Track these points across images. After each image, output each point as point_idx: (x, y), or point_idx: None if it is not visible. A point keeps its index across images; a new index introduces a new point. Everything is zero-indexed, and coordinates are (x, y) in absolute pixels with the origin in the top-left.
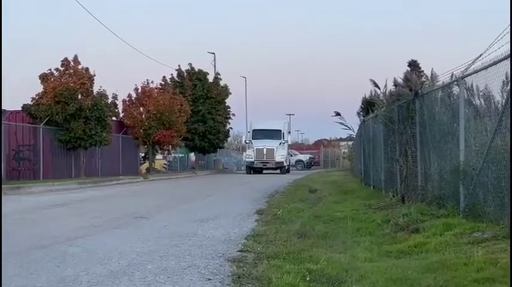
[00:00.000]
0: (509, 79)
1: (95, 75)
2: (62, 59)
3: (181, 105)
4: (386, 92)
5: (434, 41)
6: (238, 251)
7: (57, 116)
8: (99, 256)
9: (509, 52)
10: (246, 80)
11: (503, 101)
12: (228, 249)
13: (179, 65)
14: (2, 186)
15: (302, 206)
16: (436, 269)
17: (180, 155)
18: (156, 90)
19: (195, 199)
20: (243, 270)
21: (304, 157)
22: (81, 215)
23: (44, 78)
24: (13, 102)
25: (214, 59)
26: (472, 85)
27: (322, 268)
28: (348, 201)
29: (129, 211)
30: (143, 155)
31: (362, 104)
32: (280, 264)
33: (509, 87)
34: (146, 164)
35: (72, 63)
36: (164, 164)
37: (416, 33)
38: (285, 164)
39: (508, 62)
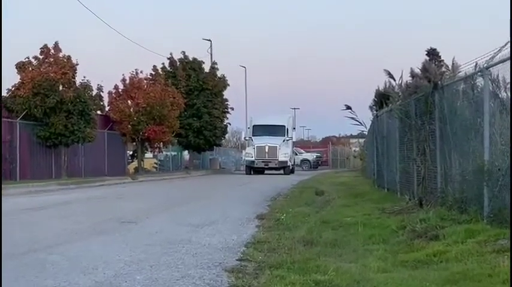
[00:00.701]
0: None
1: (77, 65)
2: (42, 46)
3: (174, 97)
4: (402, 84)
5: (455, 27)
6: (237, 260)
7: (35, 110)
8: (82, 264)
9: None
10: (245, 70)
11: None
12: (225, 258)
13: (171, 54)
14: None
15: (308, 210)
16: (457, 281)
17: (173, 153)
18: (145, 81)
19: (189, 202)
20: (243, 281)
21: (311, 156)
22: (63, 220)
23: (21, 67)
24: None
25: (211, 46)
26: (498, 76)
27: (331, 279)
28: (359, 205)
29: (115, 215)
30: (131, 153)
31: (375, 97)
32: (283, 274)
33: None
34: (135, 163)
35: (52, 50)
36: (155, 163)
37: (435, 19)
38: (289, 163)
39: None
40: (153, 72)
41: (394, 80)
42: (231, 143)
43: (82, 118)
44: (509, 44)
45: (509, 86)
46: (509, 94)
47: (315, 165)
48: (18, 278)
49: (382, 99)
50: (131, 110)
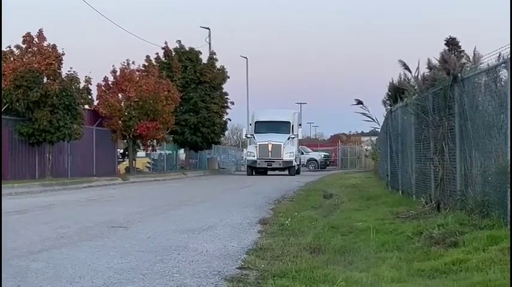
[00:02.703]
0: None
1: (63, 54)
2: (24, 34)
3: (169, 91)
4: (419, 76)
5: (477, 14)
6: (237, 268)
7: (17, 104)
8: (68, 273)
9: None
10: (247, 61)
11: None
12: (225, 266)
13: (166, 43)
14: None
15: (315, 214)
16: None
17: (167, 151)
18: (138, 72)
19: (185, 205)
20: None
21: (318, 155)
22: (47, 224)
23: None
24: None
25: (209, 35)
26: None
27: None
28: (371, 209)
29: (104, 218)
30: (122, 151)
31: (389, 90)
32: (288, 284)
33: None
34: (126, 163)
35: (36, 39)
36: (147, 162)
37: (455, 5)
38: (294, 163)
39: None
40: (146, 63)
41: (410, 72)
42: (231, 141)
43: (68, 113)
44: None
45: None
46: None
47: (323, 165)
48: None
49: (396, 93)
50: (122, 104)
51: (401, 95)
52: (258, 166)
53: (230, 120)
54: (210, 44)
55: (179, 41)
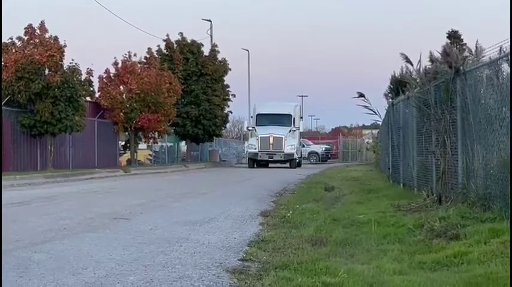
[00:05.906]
0: None
1: (65, 46)
2: (26, 25)
3: (170, 83)
4: (421, 69)
5: (479, 7)
6: (239, 260)
7: (19, 95)
8: (70, 264)
9: None
10: (249, 54)
11: None
12: (226, 257)
13: (168, 35)
14: None
15: (317, 207)
16: (479, 284)
17: (169, 144)
18: (139, 65)
19: (186, 197)
20: (245, 283)
21: (319, 148)
22: (49, 216)
23: (3, 49)
24: None
25: (211, 27)
26: None
27: (341, 282)
28: (373, 201)
29: (106, 210)
30: (123, 143)
31: (391, 83)
32: (290, 276)
33: None
34: (127, 155)
35: (38, 31)
36: (149, 155)
37: None
38: (295, 156)
39: None
40: (148, 56)
41: (412, 65)
42: (233, 134)
43: (70, 105)
44: None
45: None
46: None
47: (324, 158)
48: (2, 278)
49: (398, 86)
50: (123, 96)
51: (403, 88)
52: (259, 158)
53: (231, 112)
54: (211, 36)
55: (181, 33)
